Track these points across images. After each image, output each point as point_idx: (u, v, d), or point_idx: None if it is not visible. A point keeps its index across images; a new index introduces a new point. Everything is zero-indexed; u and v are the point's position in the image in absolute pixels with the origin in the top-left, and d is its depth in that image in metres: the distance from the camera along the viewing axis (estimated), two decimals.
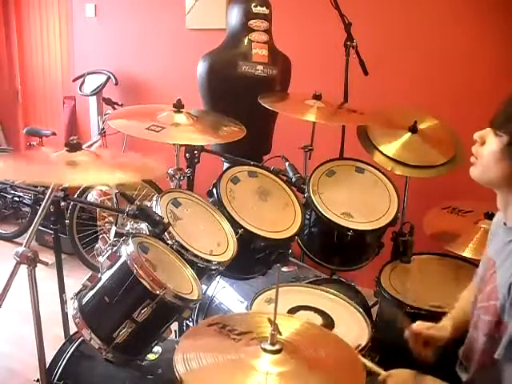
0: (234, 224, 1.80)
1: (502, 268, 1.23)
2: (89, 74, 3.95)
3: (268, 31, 2.50)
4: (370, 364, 1.32)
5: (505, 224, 1.28)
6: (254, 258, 1.89)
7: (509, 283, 1.17)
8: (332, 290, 1.77)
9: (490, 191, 1.29)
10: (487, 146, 1.22)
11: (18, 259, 1.47)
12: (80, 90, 3.97)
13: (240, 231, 1.78)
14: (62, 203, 1.78)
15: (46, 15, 4.41)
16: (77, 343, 1.65)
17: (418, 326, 1.43)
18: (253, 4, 2.44)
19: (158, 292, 1.37)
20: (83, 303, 1.46)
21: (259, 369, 1.02)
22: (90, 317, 1.44)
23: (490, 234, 1.40)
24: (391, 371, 1.29)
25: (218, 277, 1.98)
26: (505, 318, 1.19)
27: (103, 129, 3.52)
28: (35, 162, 1.46)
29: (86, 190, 3.37)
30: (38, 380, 1.57)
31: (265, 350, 1.05)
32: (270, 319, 1.08)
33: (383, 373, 1.29)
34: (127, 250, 1.43)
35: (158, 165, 1.56)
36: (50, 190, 1.55)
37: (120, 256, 1.45)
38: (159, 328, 1.48)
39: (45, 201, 1.57)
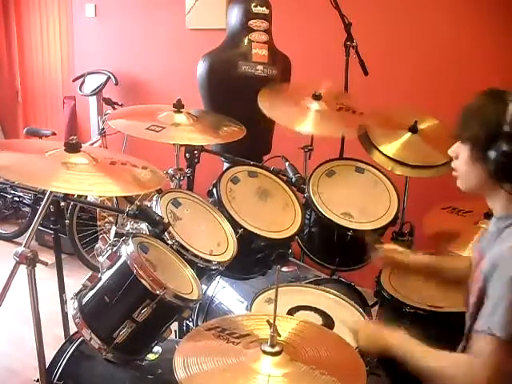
0: (234, 224, 1.80)
1: (489, 253, 1.27)
2: (89, 73, 3.96)
3: (268, 31, 2.49)
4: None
5: (495, 217, 1.33)
6: (254, 258, 1.89)
7: (491, 263, 1.20)
8: (332, 290, 1.77)
9: None
10: (460, 158, 1.31)
11: (17, 259, 1.47)
12: (80, 90, 3.98)
13: (240, 231, 1.78)
14: (62, 203, 1.78)
15: (46, 15, 4.41)
16: (77, 343, 1.64)
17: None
18: (253, 4, 2.44)
19: (157, 292, 1.36)
20: (83, 303, 1.46)
21: (260, 371, 1.02)
22: (90, 317, 1.44)
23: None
24: (360, 323, 1.42)
25: (218, 277, 1.98)
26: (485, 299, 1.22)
27: (103, 129, 3.52)
28: (30, 160, 1.44)
29: None
30: (37, 380, 1.57)
31: (265, 352, 1.05)
32: (268, 321, 1.07)
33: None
34: (127, 250, 1.42)
35: (155, 178, 1.54)
36: (49, 191, 1.55)
37: (120, 256, 1.45)
38: (159, 328, 1.48)
39: (44, 201, 1.57)
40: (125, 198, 1.79)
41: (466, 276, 1.42)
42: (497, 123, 1.19)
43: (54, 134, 3.84)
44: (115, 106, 3.61)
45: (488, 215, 2.01)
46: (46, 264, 1.52)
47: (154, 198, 1.71)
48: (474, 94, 1.31)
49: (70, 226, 3.39)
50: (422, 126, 2.28)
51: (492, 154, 1.21)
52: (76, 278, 2.04)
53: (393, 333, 1.33)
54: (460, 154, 1.31)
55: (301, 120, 2.16)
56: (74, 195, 1.94)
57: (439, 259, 1.66)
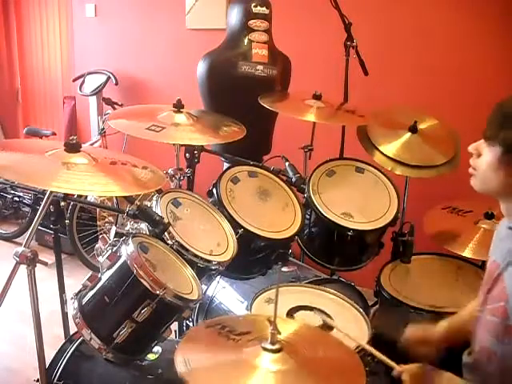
0: (234, 224, 1.80)
1: (508, 271, 1.23)
2: (89, 73, 3.96)
3: (268, 31, 2.49)
4: (382, 357, 1.34)
5: (510, 228, 1.28)
6: (254, 258, 1.89)
7: None
8: (332, 290, 1.77)
9: None
10: (483, 158, 1.24)
11: (17, 259, 1.47)
12: (80, 89, 3.98)
13: (240, 231, 1.78)
14: (62, 203, 1.78)
15: (46, 15, 4.41)
16: (77, 343, 1.65)
17: (411, 329, 1.51)
18: (253, 4, 2.44)
19: (157, 292, 1.37)
20: (83, 303, 1.46)
21: (260, 368, 1.02)
22: (90, 317, 1.44)
23: (494, 238, 1.41)
24: (405, 366, 1.31)
25: (218, 277, 1.98)
26: None
27: (103, 129, 3.52)
28: (30, 160, 1.44)
29: None
30: (37, 380, 1.57)
31: (265, 349, 1.05)
32: (269, 319, 1.08)
33: (396, 367, 1.30)
34: (127, 249, 1.43)
35: (155, 178, 1.54)
36: (49, 191, 1.55)
37: (120, 256, 1.45)
38: (159, 328, 1.48)
39: (44, 201, 1.57)
40: (125, 197, 1.79)
41: None
42: None
43: (54, 134, 3.85)
44: (115, 105, 3.62)
45: (488, 215, 2.01)
46: (45, 264, 1.53)
47: (154, 198, 1.71)
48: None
49: (70, 226, 3.39)
50: (421, 126, 2.28)
51: None
52: (76, 278, 2.04)
53: (444, 376, 1.26)
54: (484, 153, 1.24)
55: (303, 115, 2.18)
56: (74, 195, 1.95)
57: (457, 318, 1.52)
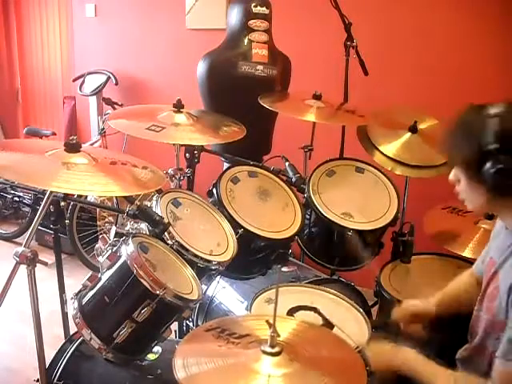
0: (234, 224, 1.80)
1: (503, 269, 1.27)
2: (89, 73, 3.96)
3: (268, 31, 2.50)
4: (347, 334, 1.40)
5: (506, 228, 1.32)
6: (254, 258, 1.89)
7: (509, 284, 1.20)
8: (332, 290, 1.77)
9: None
10: (461, 183, 1.29)
11: (17, 259, 1.47)
12: (80, 89, 3.98)
13: (240, 231, 1.78)
14: (62, 203, 1.78)
15: (46, 15, 4.41)
16: (77, 343, 1.65)
17: (404, 304, 1.59)
18: (253, 4, 2.44)
19: (157, 292, 1.37)
20: (83, 303, 1.46)
21: (260, 372, 1.02)
22: (90, 317, 1.44)
23: (492, 235, 1.44)
24: (371, 343, 1.38)
25: (218, 277, 1.98)
26: (501, 317, 1.22)
27: (103, 129, 3.52)
28: (30, 160, 1.44)
29: None
30: (37, 380, 1.57)
31: (265, 353, 1.05)
32: (268, 322, 1.07)
33: (361, 344, 1.37)
34: (127, 249, 1.43)
35: (155, 178, 1.54)
36: (49, 191, 1.55)
37: (120, 256, 1.45)
38: (159, 328, 1.48)
39: (44, 201, 1.57)
40: (125, 197, 1.79)
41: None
42: (483, 142, 1.16)
43: (54, 134, 3.84)
44: (115, 105, 3.62)
45: (488, 215, 2.01)
46: (45, 264, 1.53)
47: (154, 198, 1.71)
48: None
49: (70, 226, 3.39)
50: (421, 126, 2.28)
51: (487, 173, 1.17)
52: (76, 278, 2.04)
53: (403, 352, 1.30)
54: (461, 179, 1.28)
55: (303, 114, 2.18)
56: (74, 195, 1.95)
57: (449, 292, 1.60)
